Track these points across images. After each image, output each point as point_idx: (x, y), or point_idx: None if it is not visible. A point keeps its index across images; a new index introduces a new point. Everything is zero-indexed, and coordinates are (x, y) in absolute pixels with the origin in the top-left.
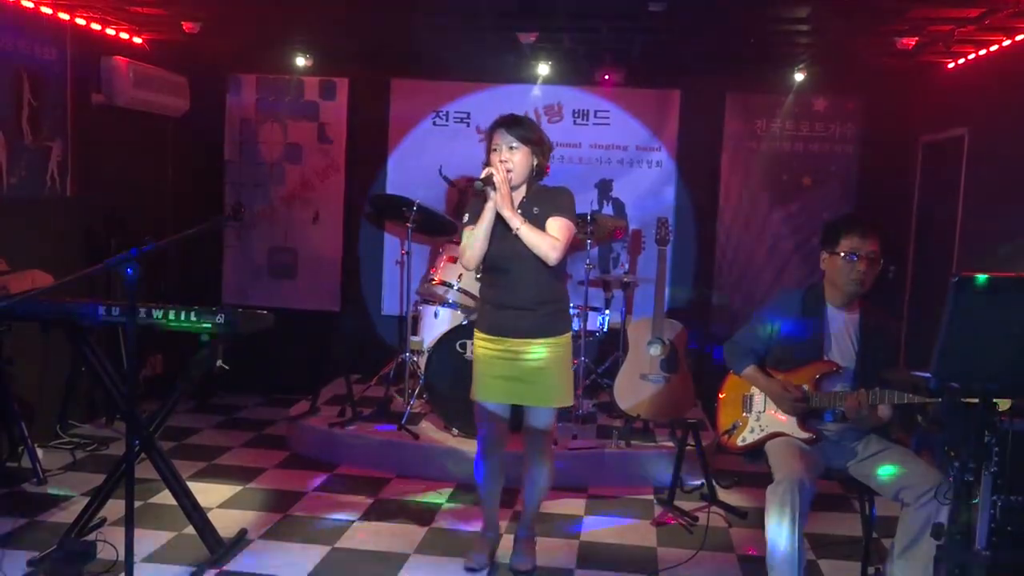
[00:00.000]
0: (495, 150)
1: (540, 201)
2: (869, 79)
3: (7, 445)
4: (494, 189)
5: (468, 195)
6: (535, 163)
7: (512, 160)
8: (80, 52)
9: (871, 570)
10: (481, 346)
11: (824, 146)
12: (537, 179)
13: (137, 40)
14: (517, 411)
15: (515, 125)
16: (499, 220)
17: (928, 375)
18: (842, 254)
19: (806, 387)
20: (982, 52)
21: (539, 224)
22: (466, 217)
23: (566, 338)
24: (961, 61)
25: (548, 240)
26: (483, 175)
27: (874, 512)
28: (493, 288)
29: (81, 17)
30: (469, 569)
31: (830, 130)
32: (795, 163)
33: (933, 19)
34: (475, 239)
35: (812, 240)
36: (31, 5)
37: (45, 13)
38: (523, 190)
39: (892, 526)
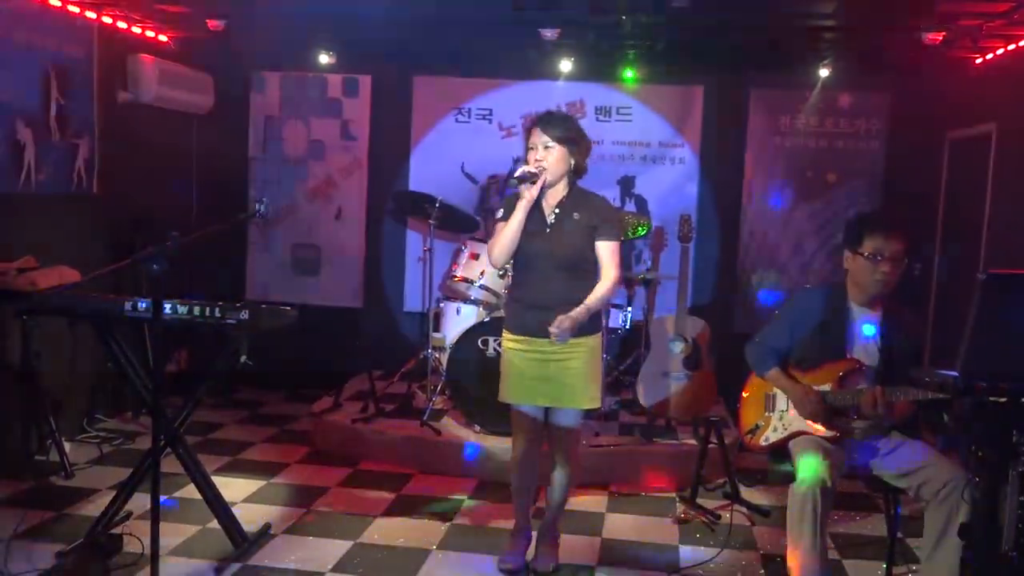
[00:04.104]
0: (532, 148)
1: (581, 207)
2: (895, 75)
3: (35, 439)
4: (531, 183)
5: (491, 192)
6: (572, 162)
7: (547, 160)
8: (106, 50)
9: (900, 569)
10: (510, 347)
11: (849, 142)
12: (576, 178)
13: (163, 38)
14: (545, 410)
15: (551, 124)
16: (532, 217)
17: (954, 373)
18: (865, 254)
19: (828, 386)
20: (1011, 47)
21: (580, 230)
22: (500, 212)
23: (596, 339)
24: (989, 56)
25: (611, 286)
26: (518, 172)
27: (899, 512)
28: (523, 287)
29: (107, 15)
30: (504, 570)
31: (856, 126)
32: (820, 159)
33: (961, 14)
34: (504, 236)
35: (837, 237)
36: (58, 4)
37: (72, 12)
38: (561, 189)
39: (917, 526)
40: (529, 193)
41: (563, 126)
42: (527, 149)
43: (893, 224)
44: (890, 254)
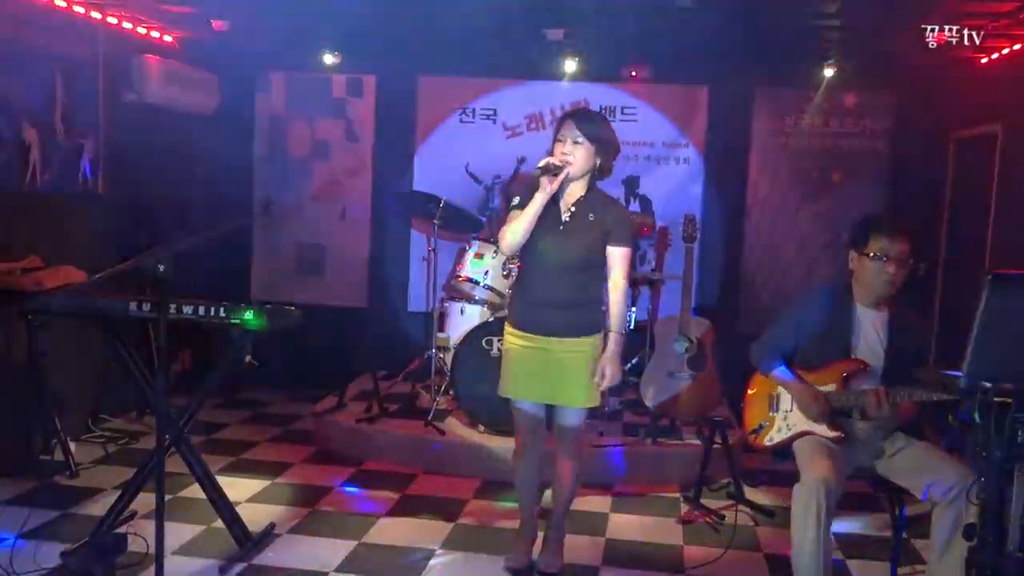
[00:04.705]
0: (560, 140)
1: (597, 209)
2: (900, 74)
3: (40, 438)
4: (554, 175)
5: (495, 192)
6: (597, 162)
7: (574, 155)
8: (112, 50)
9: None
10: (512, 342)
11: (854, 142)
12: (598, 178)
13: (168, 38)
14: (549, 409)
15: (585, 120)
16: (547, 213)
17: (959, 374)
18: (871, 255)
19: (833, 387)
20: (1016, 47)
21: (593, 232)
22: (516, 200)
23: (597, 338)
24: (995, 56)
25: (624, 297)
26: (541, 163)
27: (904, 512)
28: (529, 283)
29: (113, 16)
30: (509, 569)
31: (861, 126)
32: (825, 159)
33: (966, 13)
34: (519, 225)
35: (842, 237)
36: (64, 4)
37: (78, 12)
38: (582, 187)
39: (922, 527)
40: (550, 186)
41: (597, 124)
42: (554, 140)
43: (899, 225)
44: (895, 255)
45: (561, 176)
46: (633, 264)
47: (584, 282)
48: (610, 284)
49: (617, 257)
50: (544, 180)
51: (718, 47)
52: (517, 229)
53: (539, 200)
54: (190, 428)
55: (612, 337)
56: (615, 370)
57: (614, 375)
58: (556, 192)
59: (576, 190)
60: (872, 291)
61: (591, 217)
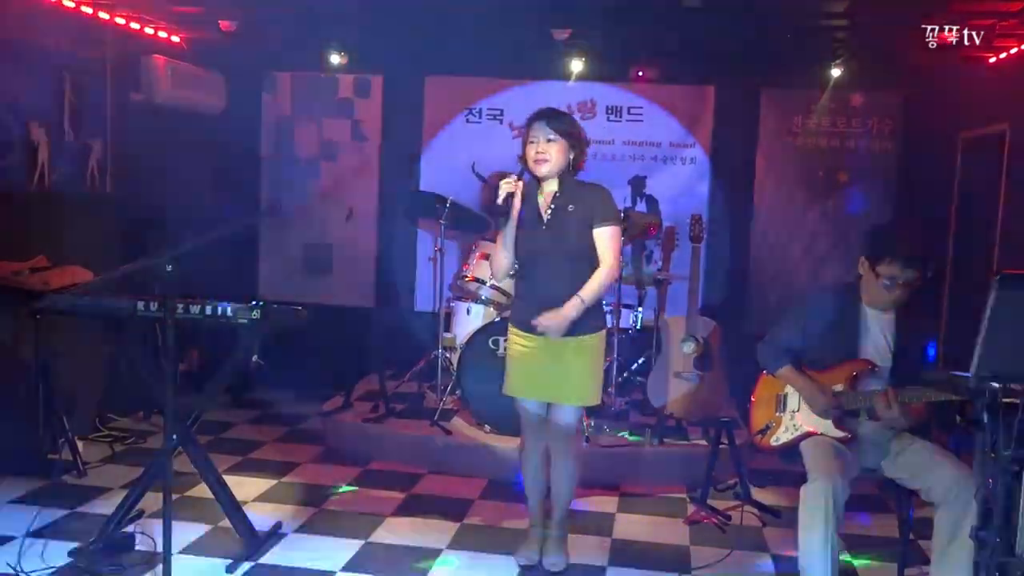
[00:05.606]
0: (532, 142)
1: (576, 198)
2: (908, 74)
3: (48, 438)
4: (511, 203)
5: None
6: (571, 157)
7: (549, 152)
8: (119, 51)
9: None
10: (515, 341)
11: (861, 142)
12: (572, 174)
13: (175, 39)
14: (551, 407)
15: (554, 118)
16: (529, 215)
17: (967, 374)
18: (881, 274)
19: (840, 387)
20: None
21: (577, 222)
22: (501, 221)
23: (598, 337)
24: (1003, 55)
25: (606, 275)
26: (501, 199)
27: (911, 513)
28: (526, 283)
29: (121, 16)
30: (523, 566)
31: (868, 126)
32: (832, 159)
33: (974, 13)
34: (498, 258)
35: (849, 237)
36: (72, 5)
37: (86, 13)
38: (556, 183)
39: (929, 527)
40: (513, 217)
41: (566, 120)
42: (526, 143)
43: (913, 251)
44: (905, 281)
45: (517, 196)
46: (636, 261)
47: (580, 275)
48: (600, 263)
49: (604, 237)
50: (511, 209)
51: (725, 47)
52: (497, 263)
53: (509, 231)
54: (197, 428)
55: (572, 300)
56: (555, 323)
57: (549, 325)
58: (535, 193)
59: (552, 187)
60: (877, 302)
61: (571, 208)
